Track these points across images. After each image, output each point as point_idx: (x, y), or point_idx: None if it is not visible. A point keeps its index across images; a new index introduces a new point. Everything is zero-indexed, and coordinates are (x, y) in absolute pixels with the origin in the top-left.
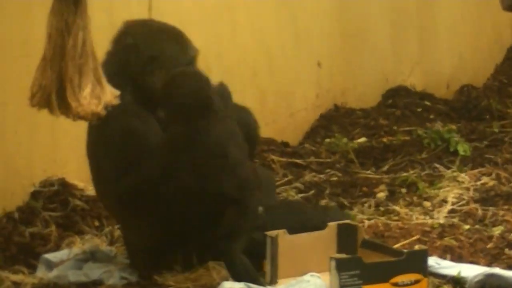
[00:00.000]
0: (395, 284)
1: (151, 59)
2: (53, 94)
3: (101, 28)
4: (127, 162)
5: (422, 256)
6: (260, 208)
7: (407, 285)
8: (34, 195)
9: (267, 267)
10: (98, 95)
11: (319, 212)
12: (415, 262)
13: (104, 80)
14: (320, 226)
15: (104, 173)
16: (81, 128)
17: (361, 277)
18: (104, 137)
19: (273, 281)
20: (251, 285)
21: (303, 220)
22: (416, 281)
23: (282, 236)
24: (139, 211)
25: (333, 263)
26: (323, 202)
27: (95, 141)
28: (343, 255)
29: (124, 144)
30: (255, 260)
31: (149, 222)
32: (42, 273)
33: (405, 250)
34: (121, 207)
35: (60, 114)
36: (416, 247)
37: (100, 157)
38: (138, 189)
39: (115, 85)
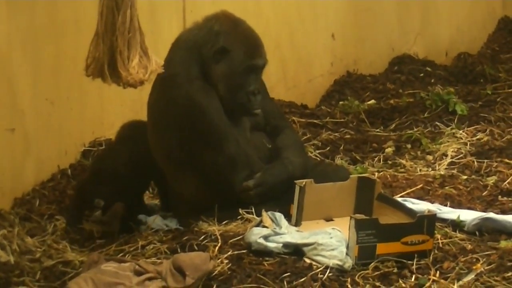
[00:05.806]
0: (405, 243)
1: (223, 50)
2: (106, 65)
3: (142, 7)
4: (184, 128)
5: (431, 220)
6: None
7: (415, 244)
8: (85, 153)
9: (294, 211)
10: (145, 65)
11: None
12: (425, 225)
13: (149, 51)
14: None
15: (160, 132)
16: (124, 95)
17: (376, 236)
18: (167, 101)
19: (298, 223)
20: (278, 230)
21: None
22: (423, 241)
23: (309, 185)
24: (191, 171)
25: (352, 222)
26: (338, 157)
27: (157, 102)
28: (362, 216)
29: (185, 112)
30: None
31: (196, 178)
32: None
33: (417, 212)
34: (173, 164)
35: (112, 82)
36: (426, 211)
37: (158, 117)
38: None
39: (185, 56)
